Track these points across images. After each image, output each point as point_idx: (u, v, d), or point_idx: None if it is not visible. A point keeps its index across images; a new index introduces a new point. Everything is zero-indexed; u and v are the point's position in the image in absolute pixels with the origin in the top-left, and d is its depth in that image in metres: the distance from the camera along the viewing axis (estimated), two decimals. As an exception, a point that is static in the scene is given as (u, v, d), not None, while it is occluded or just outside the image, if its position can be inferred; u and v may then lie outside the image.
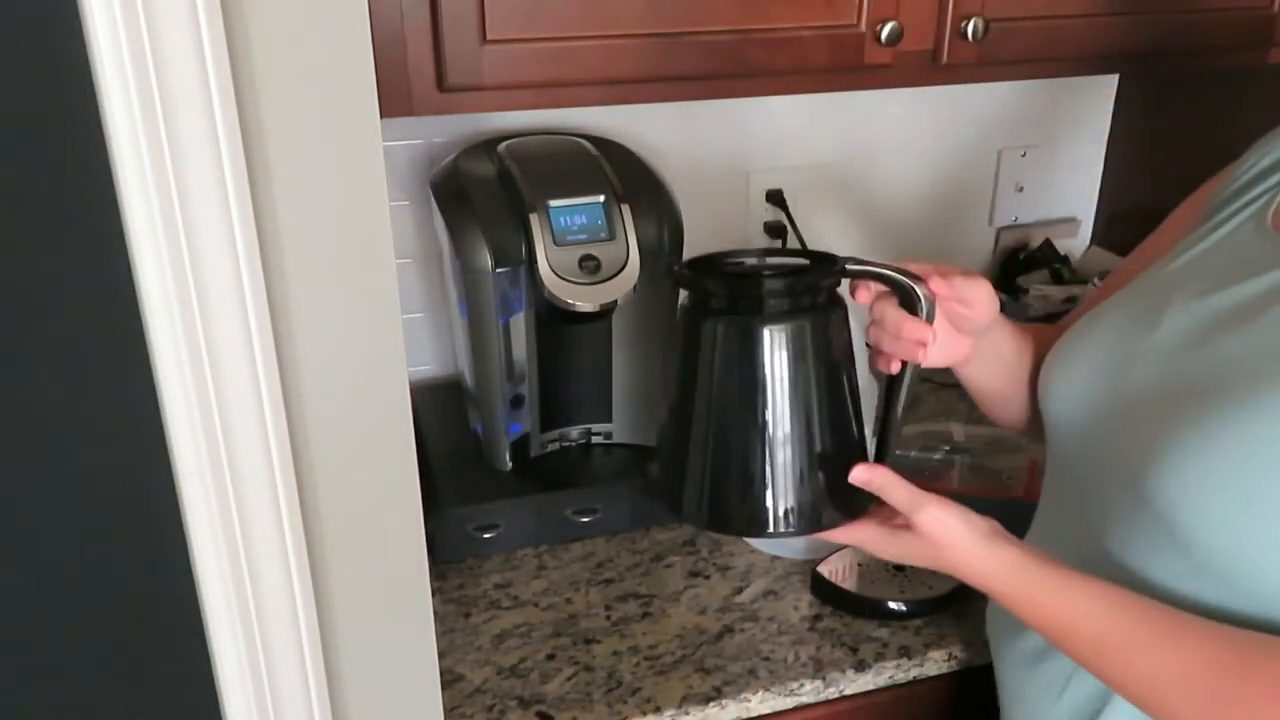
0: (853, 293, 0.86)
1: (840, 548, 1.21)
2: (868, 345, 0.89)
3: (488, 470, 1.30)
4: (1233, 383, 0.74)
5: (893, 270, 0.83)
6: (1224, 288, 0.80)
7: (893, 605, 1.14)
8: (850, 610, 1.15)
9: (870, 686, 1.10)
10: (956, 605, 1.14)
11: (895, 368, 0.87)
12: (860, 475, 0.83)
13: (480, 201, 1.19)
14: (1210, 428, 0.74)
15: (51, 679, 0.76)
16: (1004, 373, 0.98)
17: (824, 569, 1.18)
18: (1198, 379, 0.77)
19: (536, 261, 1.14)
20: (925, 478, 1.32)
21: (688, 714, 1.04)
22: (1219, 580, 0.74)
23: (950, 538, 0.81)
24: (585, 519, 1.26)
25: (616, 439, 1.34)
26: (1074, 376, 0.88)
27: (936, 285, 0.84)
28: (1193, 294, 0.82)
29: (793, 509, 0.83)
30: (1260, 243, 0.81)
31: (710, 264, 0.85)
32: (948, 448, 1.35)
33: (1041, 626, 0.79)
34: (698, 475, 0.84)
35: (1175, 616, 0.74)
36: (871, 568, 1.18)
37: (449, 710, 1.03)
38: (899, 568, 1.18)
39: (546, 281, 1.14)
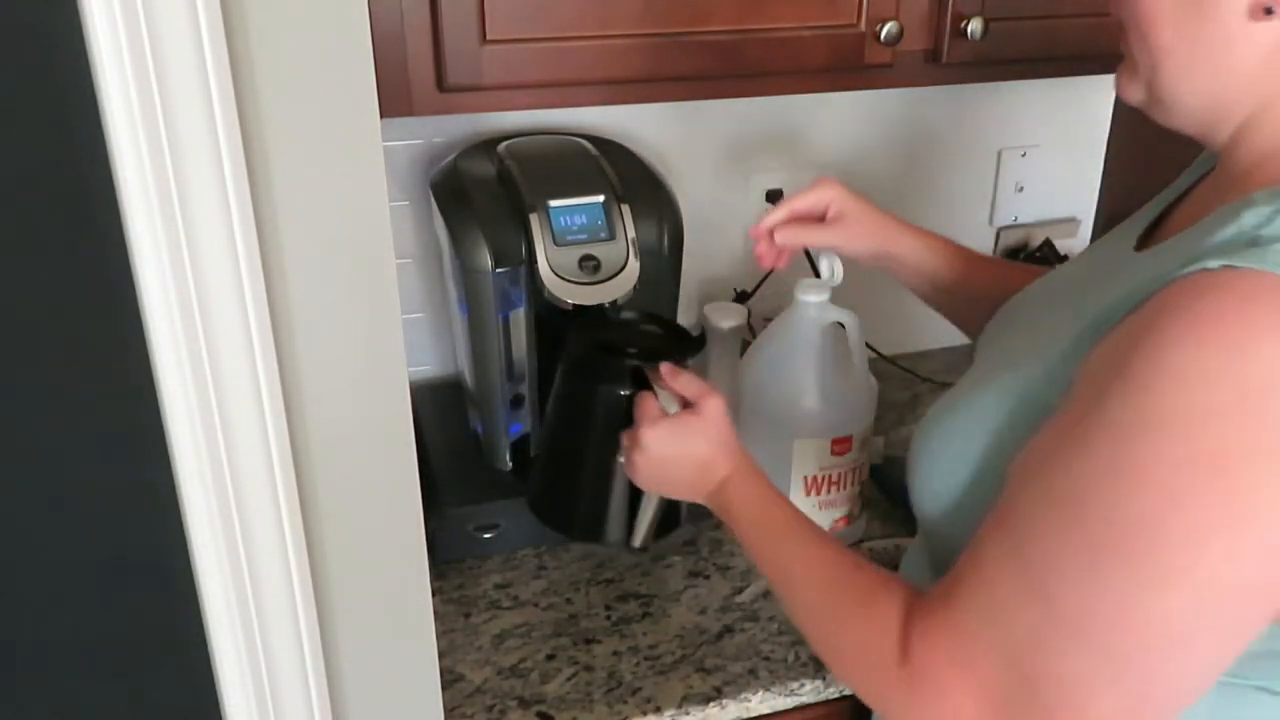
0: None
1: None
2: None
3: (488, 470, 1.30)
4: (983, 373, 0.82)
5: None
6: (1049, 294, 0.89)
7: None
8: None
9: (870, 686, 1.10)
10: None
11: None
12: (666, 368, 0.96)
13: (480, 201, 1.19)
14: (941, 410, 0.83)
15: (52, 679, 0.76)
16: (935, 294, 1.11)
17: None
18: (982, 362, 0.85)
19: (536, 261, 1.14)
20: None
21: (688, 714, 1.04)
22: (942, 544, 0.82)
23: (725, 420, 0.92)
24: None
25: (616, 439, 1.34)
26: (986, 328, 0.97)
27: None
28: (1050, 282, 0.92)
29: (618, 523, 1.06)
30: (1115, 255, 0.83)
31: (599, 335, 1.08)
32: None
33: (746, 530, 0.89)
34: (590, 494, 1.07)
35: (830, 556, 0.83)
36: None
37: (449, 710, 1.03)
38: (895, 566, 1.18)
39: (546, 281, 1.14)
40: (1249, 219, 0.62)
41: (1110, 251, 0.85)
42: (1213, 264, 0.60)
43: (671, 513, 1.12)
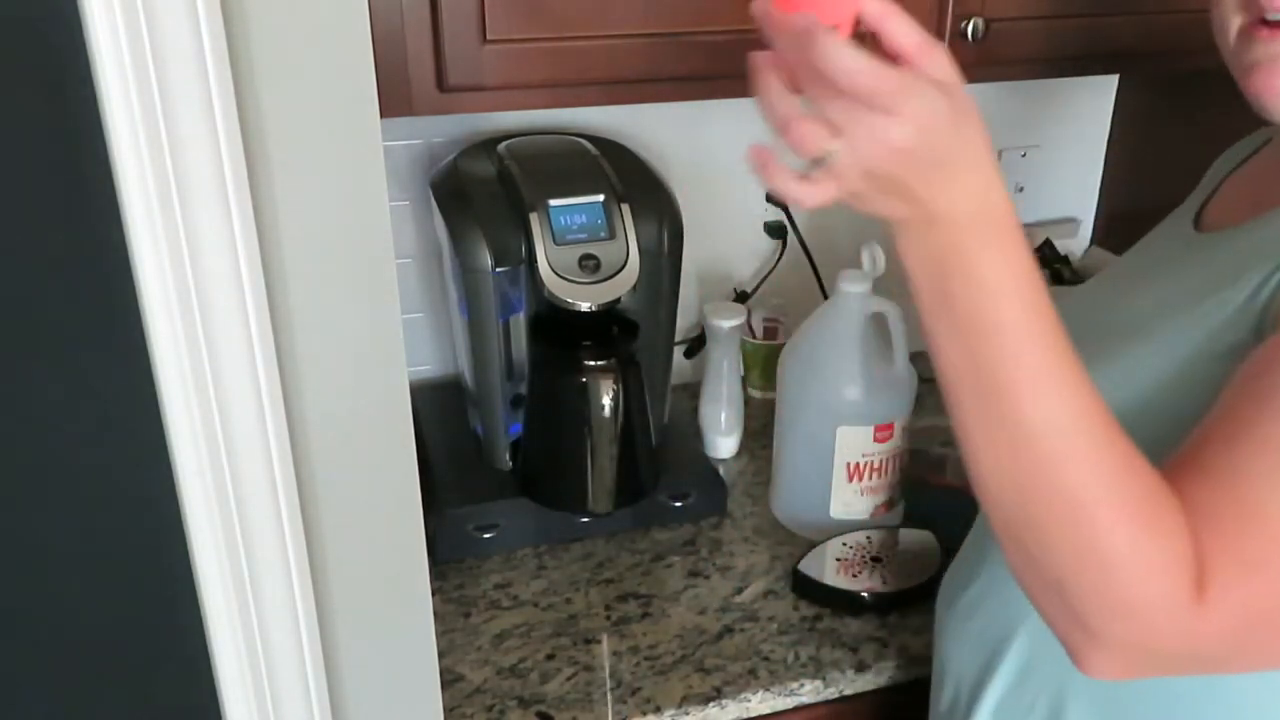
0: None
1: (821, 542, 1.22)
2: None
3: (488, 470, 1.30)
4: (1143, 324, 0.82)
5: None
6: (1139, 272, 0.90)
7: (865, 594, 1.16)
8: (831, 605, 1.16)
9: (870, 686, 1.10)
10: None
11: None
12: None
13: (480, 201, 1.19)
14: (1127, 360, 0.80)
15: (52, 679, 0.76)
16: None
17: (804, 566, 1.19)
18: (1114, 324, 0.85)
19: (536, 261, 1.14)
20: (922, 470, 1.33)
21: (688, 714, 1.04)
22: None
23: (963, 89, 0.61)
24: (585, 519, 1.26)
25: (616, 439, 1.34)
26: None
27: None
28: (1115, 272, 0.95)
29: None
30: (1174, 242, 0.89)
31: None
32: (944, 442, 1.37)
33: (963, 295, 0.63)
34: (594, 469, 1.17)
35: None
36: (852, 563, 1.20)
37: (449, 710, 1.03)
38: (876, 558, 1.19)
39: (546, 281, 1.14)
40: None
41: (1173, 240, 0.90)
42: None
43: (635, 482, 1.23)
